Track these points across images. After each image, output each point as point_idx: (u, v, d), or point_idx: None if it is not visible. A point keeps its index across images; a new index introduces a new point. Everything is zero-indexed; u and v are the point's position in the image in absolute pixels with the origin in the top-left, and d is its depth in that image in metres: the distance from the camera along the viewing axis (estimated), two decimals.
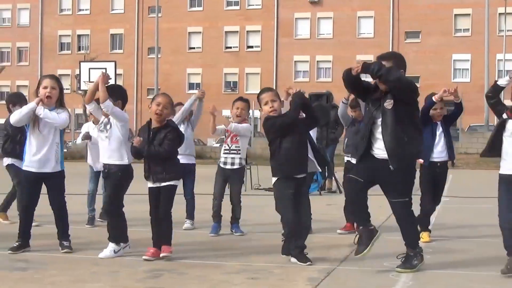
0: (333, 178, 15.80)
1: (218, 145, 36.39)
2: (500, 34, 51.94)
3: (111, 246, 7.33)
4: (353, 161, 6.65)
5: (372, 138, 6.65)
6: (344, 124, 9.76)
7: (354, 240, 6.71)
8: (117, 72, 35.05)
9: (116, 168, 7.38)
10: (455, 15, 55.24)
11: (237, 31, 59.46)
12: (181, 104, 9.43)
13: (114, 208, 7.42)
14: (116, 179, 7.39)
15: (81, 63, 33.73)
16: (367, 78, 6.70)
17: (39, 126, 7.40)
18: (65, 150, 9.42)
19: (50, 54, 62.59)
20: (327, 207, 12.16)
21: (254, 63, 58.67)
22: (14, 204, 9.36)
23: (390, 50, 53.63)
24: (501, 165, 6.71)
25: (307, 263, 6.90)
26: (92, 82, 7.85)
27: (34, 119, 7.40)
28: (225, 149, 9.01)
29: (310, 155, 7.26)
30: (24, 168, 7.61)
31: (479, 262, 6.90)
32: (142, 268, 6.77)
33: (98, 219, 9.77)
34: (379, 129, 6.58)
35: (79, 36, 62.80)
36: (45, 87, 7.45)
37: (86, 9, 62.70)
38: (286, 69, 57.82)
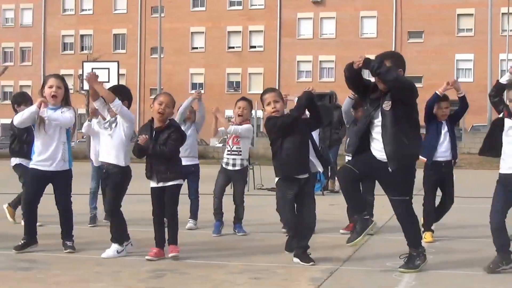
0: (336, 178, 15.78)
1: (220, 145, 36.41)
2: (503, 34, 51.89)
3: (114, 246, 7.34)
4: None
5: (369, 138, 6.67)
6: (346, 121, 9.73)
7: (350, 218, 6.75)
8: (120, 72, 35.05)
9: (116, 169, 7.37)
10: (458, 15, 55.22)
11: (240, 31, 59.47)
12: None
13: (115, 209, 7.43)
14: (116, 181, 7.38)
15: (84, 63, 33.75)
16: (370, 77, 6.71)
17: (44, 126, 7.42)
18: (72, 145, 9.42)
19: (53, 54, 62.66)
20: (330, 207, 12.16)
21: (257, 63, 58.67)
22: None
23: (393, 50, 53.62)
24: (500, 164, 6.74)
25: (310, 263, 6.90)
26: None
27: (39, 120, 7.42)
28: (227, 150, 9.03)
29: (312, 155, 7.25)
30: (30, 166, 7.64)
31: (482, 262, 6.89)
32: (145, 268, 6.78)
33: (104, 220, 9.77)
34: (377, 129, 6.58)
35: (82, 36, 62.88)
36: (51, 87, 7.47)
37: (89, 9, 62.77)
38: (289, 69, 57.82)
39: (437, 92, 8.23)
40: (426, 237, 8.41)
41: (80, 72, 36.32)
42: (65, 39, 63.22)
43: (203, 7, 60.32)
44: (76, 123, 7.76)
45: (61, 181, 7.56)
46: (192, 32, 60.34)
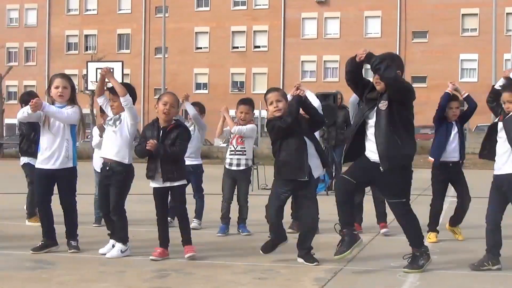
0: None
1: (225, 145, 36.38)
2: (507, 33, 51.77)
3: (118, 246, 7.34)
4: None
5: (364, 139, 6.66)
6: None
7: (335, 226, 6.75)
8: (124, 72, 35.14)
9: (119, 168, 7.37)
10: (463, 14, 55.12)
11: (244, 31, 59.46)
12: (198, 104, 9.56)
13: (120, 208, 7.43)
14: (120, 179, 7.38)
15: (88, 63, 33.84)
16: (369, 77, 6.73)
17: (49, 124, 7.44)
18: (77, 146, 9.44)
19: (57, 54, 62.72)
20: (334, 207, 12.09)
21: (261, 63, 58.66)
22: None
23: (397, 50, 53.65)
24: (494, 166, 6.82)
25: (314, 264, 6.90)
26: None
27: (44, 117, 7.44)
28: (230, 150, 9.02)
29: (314, 158, 7.17)
30: (36, 166, 7.67)
31: None
32: (149, 268, 6.78)
33: (93, 225, 9.76)
34: (371, 130, 6.58)
35: (86, 36, 62.93)
36: (57, 87, 7.50)
37: (93, 9, 62.82)
38: (293, 69, 57.79)
39: (447, 91, 8.28)
40: (431, 237, 8.41)
41: (84, 72, 36.39)
42: (69, 39, 63.28)
43: (207, 7, 60.32)
44: (81, 122, 7.77)
45: (65, 179, 7.56)
46: (196, 32, 60.35)
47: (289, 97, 7.36)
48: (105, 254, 7.37)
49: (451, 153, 8.41)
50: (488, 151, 6.99)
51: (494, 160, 6.81)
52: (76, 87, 7.88)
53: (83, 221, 8.51)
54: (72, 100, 7.58)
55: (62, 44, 63.08)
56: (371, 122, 6.58)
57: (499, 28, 44.50)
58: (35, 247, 7.51)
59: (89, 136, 38.67)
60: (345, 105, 14.96)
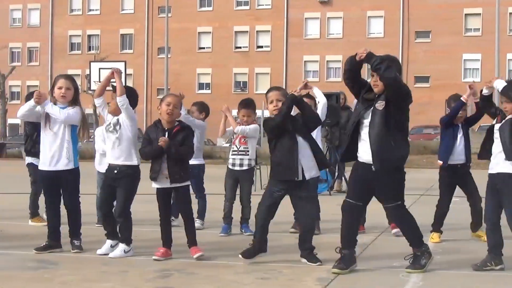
0: (343, 179, 15.75)
1: (227, 145, 36.31)
2: (510, 33, 51.80)
3: (122, 246, 7.34)
4: (360, 159, 6.64)
5: (358, 139, 6.65)
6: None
7: (336, 249, 6.70)
8: (127, 72, 35.08)
9: (129, 170, 7.37)
10: (466, 14, 55.08)
11: (247, 31, 59.48)
12: (198, 103, 9.53)
13: (127, 209, 7.43)
14: (130, 181, 7.37)
15: (91, 63, 33.78)
16: (368, 78, 6.73)
17: (50, 124, 7.44)
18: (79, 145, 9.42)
19: (60, 54, 62.78)
20: (337, 207, 12.06)
21: (264, 63, 58.67)
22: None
23: (400, 50, 53.67)
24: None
25: (317, 263, 6.90)
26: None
27: (45, 117, 7.44)
28: (233, 151, 9.01)
29: (309, 159, 7.10)
30: (39, 167, 7.67)
31: None
32: (152, 268, 6.78)
33: (96, 225, 9.76)
34: (365, 130, 6.56)
35: (89, 36, 62.98)
36: (60, 88, 7.49)
37: (96, 9, 62.87)
38: (296, 69, 57.78)
39: (462, 99, 8.31)
40: (434, 237, 8.41)
41: (87, 72, 36.38)
42: (72, 39, 63.33)
43: (210, 7, 60.35)
44: (84, 123, 7.73)
45: (67, 180, 7.56)
46: (199, 32, 60.38)
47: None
48: (102, 254, 7.36)
49: (459, 155, 8.45)
50: (486, 152, 7.03)
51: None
52: (79, 87, 7.86)
53: (85, 221, 8.50)
54: (74, 101, 7.57)
55: (65, 44, 63.15)
56: (366, 122, 6.57)
57: (502, 28, 44.44)
58: (38, 247, 7.51)
59: (92, 137, 38.69)
60: (348, 105, 14.93)
